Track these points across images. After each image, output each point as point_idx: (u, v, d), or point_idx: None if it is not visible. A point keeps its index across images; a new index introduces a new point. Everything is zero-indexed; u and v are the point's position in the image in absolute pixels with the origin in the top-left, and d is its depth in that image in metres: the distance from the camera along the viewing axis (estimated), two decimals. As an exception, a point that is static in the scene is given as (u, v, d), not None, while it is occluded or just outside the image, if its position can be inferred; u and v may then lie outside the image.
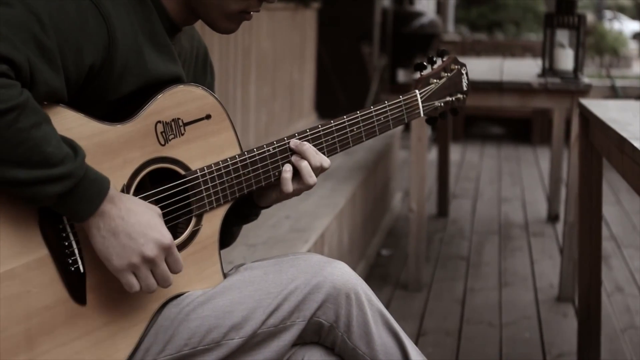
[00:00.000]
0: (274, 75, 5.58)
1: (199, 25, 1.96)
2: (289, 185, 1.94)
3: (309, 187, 1.96)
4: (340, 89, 7.40)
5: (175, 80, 1.84)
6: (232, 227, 2.06)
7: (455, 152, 8.68)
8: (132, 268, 1.68)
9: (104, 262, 1.67)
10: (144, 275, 1.69)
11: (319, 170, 1.97)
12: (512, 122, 10.23)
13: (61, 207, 1.63)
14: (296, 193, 1.97)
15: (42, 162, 1.55)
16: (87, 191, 1.62)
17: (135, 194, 1.77)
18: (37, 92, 1.59)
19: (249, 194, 1.98)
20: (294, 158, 1.95)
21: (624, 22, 22.50)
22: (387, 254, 5.26)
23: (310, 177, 1.94)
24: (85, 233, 1.67)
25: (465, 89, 2.25)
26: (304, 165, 1.94)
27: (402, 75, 9.49)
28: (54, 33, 1.61)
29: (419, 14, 10.02)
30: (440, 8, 14.27)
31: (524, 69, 5.40)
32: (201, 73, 2.07)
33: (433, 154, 7.13)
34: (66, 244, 1.68)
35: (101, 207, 1.64)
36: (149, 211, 1.70)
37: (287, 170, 1.94)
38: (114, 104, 1.76)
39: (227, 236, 2.06)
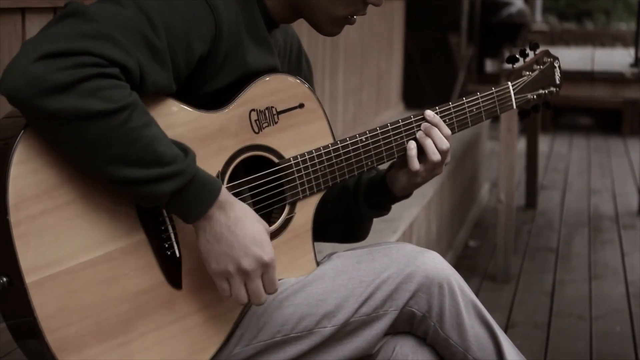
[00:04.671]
0: (361, 65, 5.57)
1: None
2: (414, 163, 1.94)
3: (434, 164, 1.95)
4: (427, 79, 7.35)
5: (271, 72, 1.85)
6: (365, 218, 2.06)
7: (543, 143, 8.57)
8: (227, 275, 1.68)
9: (204, 263, 1.69)
10: (236, 285, 1.69)
11: (444, 154, 1.96)
12: (601, 113, 10.06)
13: (172, 206, 1.64)
14: (424, 175, 1.96)
15: (155, 161, 1.56)
16: (199, 192, 1.62)
17: (229, 181, 1.78)
18: (144, 92, 1.61)
19: (381, 181, 2.00)
20: (419, 134, 1.95)
21: None
22: (475, 245, 5.23)
23: (434, 154, 1.94)
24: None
25: (558, 82, 2.23)
26: (428, 142, 1.94)
27: (489, 66, 9.41)
28: (165, 32, 1.62)
29: (507, 3, 9.90)
30: (528, -3, 14.08)
31: (616, 58, 5.31)
32: (295, 67, 2.07)
33: (521, 145, 7.05)
34: (162, 228, 1.70)
35: (210, 211, 1.64)
36: (257, 225, 1.70)
37: (412, 148, 1.94)
38: (209, 95, 1.77)
39: (361, 230, 2.08)
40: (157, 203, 1.62)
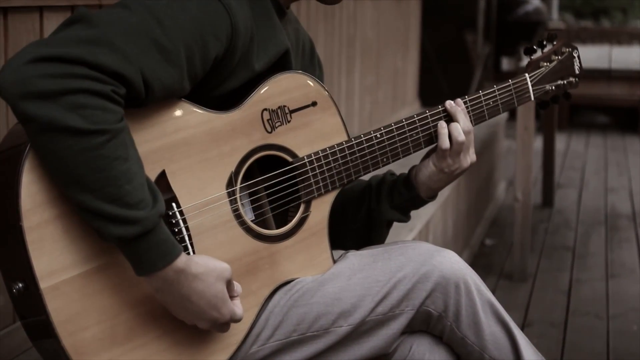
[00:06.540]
0: (378, 63, 5.56)
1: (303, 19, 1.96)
2: (445, 141, 1.93)
3: (460, 145, 1.94)
4: (444, 78, 7.33)
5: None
6: (384, 220, 2.03)
7: (560, 142, 8.53)
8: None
9: None
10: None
11: (469, 134, 1.96)
12: (618, 111, 9.99)
13: (122, 250, 1.57)
14: (450, 163, 1.95)
15: (116, 197, 1.50)
16: (152, 249, 1.56)
17: (243, 181, 1.78)
18: (152, 97, 1.59)
19: (406, 179, 2.00)
20: (446, 120, 1.96)
21: None
22: (491, 243, 5.22)
23: (459, 134, 1.93)
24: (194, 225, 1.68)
25: (577, 72, 2.21)
26: (453, 124, 1.94)
27: (506, 64, 9.38)
28: (177, 33, 1.59)
29: (523, 1, 9.88)
30: (545, -5, 14.03)
31: (633, 57, 5.31)
32: (309, 65, 2.07)
33: (537, 143, 7.03)
34: (176, 230, 1.69)
35: (163, 272, 1.58)
36: (216, 286, 1.63)
37: (443, 127, 1.95)
38: (222, 97, 1.76)
39: (377, 235, 2.06)
40: (106, 241, 1.57)
